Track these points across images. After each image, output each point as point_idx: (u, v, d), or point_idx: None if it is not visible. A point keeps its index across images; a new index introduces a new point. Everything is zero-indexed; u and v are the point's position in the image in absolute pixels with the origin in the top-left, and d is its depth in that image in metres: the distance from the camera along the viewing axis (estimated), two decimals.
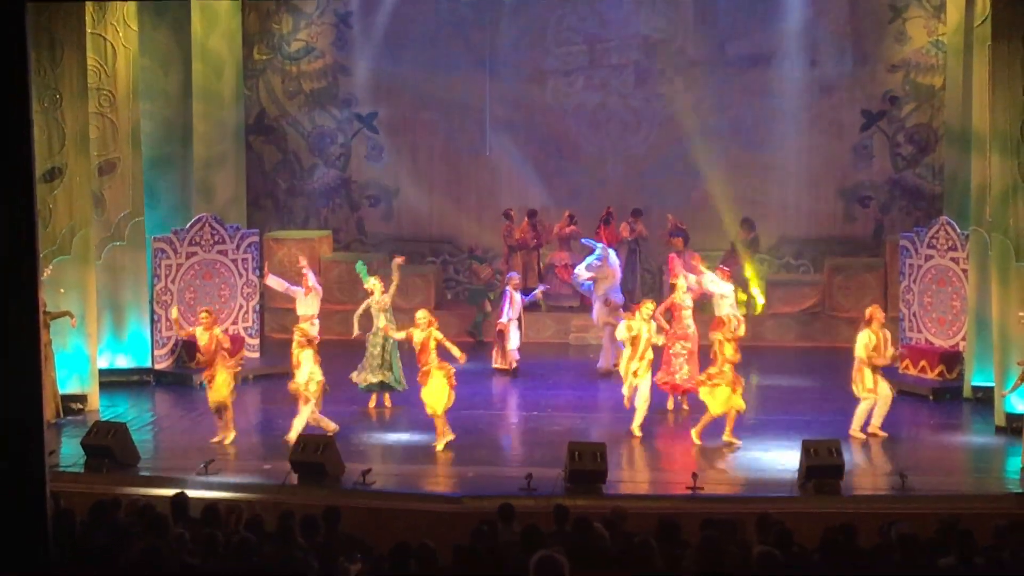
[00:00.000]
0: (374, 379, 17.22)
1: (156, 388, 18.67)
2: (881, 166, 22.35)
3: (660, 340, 16.48)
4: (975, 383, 17.26)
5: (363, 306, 17.58)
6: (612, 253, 19.43)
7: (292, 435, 15.24)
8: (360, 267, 18.02)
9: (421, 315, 15.75)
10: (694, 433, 15.62)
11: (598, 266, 18.93)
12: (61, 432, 16.09)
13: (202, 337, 15.82)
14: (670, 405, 17.04)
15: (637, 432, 15.88)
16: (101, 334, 18.06)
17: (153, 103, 19.68)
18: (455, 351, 15.64)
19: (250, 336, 19.73)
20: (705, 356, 16.38)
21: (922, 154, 22.16)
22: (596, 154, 22.91)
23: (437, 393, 15.37)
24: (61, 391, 16.87)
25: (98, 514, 10.36)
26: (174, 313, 16.93)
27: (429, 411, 15.45)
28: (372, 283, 17.48)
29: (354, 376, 17.36)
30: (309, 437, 14.52)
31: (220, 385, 15.67)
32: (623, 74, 22.77)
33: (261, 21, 23.08)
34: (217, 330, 15.98)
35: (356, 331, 17.51)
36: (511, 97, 22.97)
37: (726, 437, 15.54)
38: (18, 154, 7.25)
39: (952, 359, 17.98)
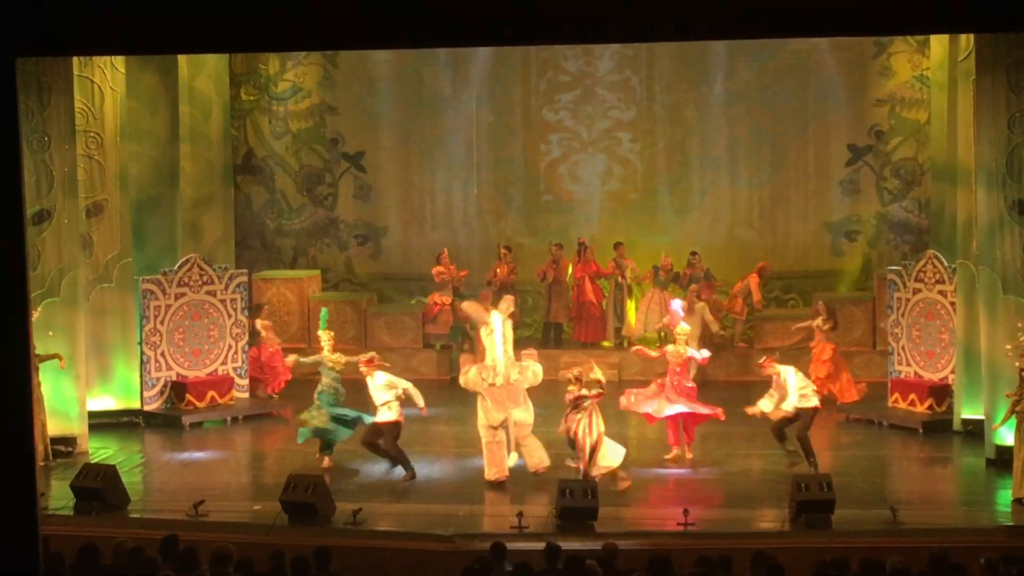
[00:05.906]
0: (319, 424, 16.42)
1: (145, 429, 18.58)
2: (868, 200, 22.42)
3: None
4: (965, 416, 17.24)
5: (312, 359, 16.85)
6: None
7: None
8: (323, 315, 17.23)
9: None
10: None
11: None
12: (50, 474, 16.03)
13: None
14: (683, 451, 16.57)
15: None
16: (90, 376, 18.00)
17: (140, 144, 19.69)
18: None
19: (239, 376, 19.68)
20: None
21: (908, 188, 22.22)
22: (584, 190, 22.95)
23: None
24: (50, 433, 16.81)
25: (87, 557, 10.31)
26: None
27: None
28: (325, 337, 16.72)
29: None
30: (300, 477, 14.47)
31: None
32: (611, 109, 22.85)
33: (248, 62, 23.12)
34: None
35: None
36: (498, 134, 23.03)
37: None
38: (8, 197, 7.27)
39: (941, 392, 17.97)
